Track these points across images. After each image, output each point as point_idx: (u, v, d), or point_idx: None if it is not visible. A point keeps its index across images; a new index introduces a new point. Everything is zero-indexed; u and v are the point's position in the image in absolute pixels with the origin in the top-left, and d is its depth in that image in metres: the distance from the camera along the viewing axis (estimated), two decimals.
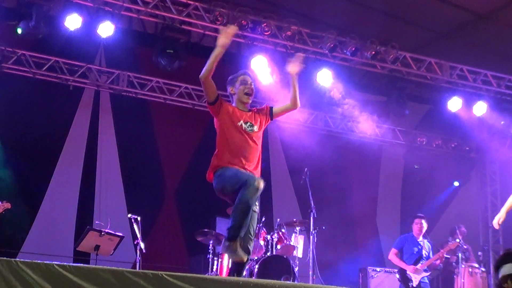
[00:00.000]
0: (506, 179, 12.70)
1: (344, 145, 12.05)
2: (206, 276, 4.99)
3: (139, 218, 7.89)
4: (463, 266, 9.33)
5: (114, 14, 8.92)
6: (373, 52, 10.00)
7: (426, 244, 8.93)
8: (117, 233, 7.96)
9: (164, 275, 4.14)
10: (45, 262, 4.00)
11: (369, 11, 10.18)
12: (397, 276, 8.96)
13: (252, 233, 5.07)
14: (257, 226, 5.32)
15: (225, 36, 5.21)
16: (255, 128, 5.19)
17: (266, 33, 9.47)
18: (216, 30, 9.44)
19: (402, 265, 8.79)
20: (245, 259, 4.96)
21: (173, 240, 10.89)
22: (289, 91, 5.43)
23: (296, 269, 8.09)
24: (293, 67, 5.39)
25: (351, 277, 10.61)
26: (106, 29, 8.86)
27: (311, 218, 8.24)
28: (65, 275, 3.95)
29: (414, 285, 8.60)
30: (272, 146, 11.97)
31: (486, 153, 12.94)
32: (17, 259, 4.00)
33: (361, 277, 10.04)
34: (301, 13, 10.25)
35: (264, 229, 8.38)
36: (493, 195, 13.21)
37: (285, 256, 8.12)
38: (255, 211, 5.09)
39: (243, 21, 9.19)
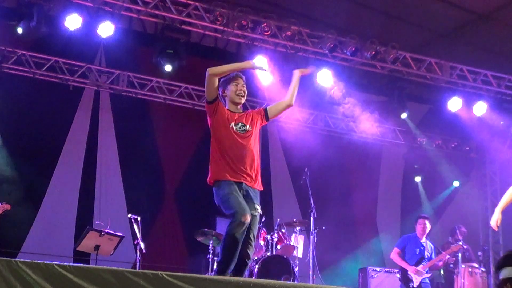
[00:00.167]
0: (506, 179, 12.65)
1: (344, 145, 12.05)
2: (206, 276, 4.99)
3: (139, 218, 7.88)
4: (463, 266, 9.33)
5: (114, 14, 8.92)
6: (373, 52, 9.99)
7: (428, 245, 8.91)
8: (117, 233, 7.95)
9: (164, 275, 4.13)
10: (45, 262, 4.00)
11: (369, 11, 10.18)
12: (398, 276, 8.95)
13: (252, 238, 5.06)
14: (257, 226, 5.30)
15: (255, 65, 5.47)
16: (248, 127, 5.21)
17: (266, 33, 9.46)
18: (216, 30, 9.47)
19: (404, 265, 8.78)
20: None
21: (173, 240, 10.89)
22: (288, 88, 5.50)
23: (296, 269, 8.09)
24: (302, 71, 5.54)
25: (351, 277, 10.61)
26: (106, 29, 8.86)
27: (311, 218, 8.23)
28: (65, 275, 3.95)
29: (415, 286, 8.59)
30: (272, 146, 11.96)
31: (486, 153, 12.95)
32: (17, 259, 4.00)
33: (361, 277, 10.03)
34: (301, 13, 10.25)
35: (264, 229, 8.38)
36: (493, 195, 13.19)
37: (285, 256, 8.12)
38: (255, 215, 5.08)
39: (243, 21, 9.19)
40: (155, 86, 10.73)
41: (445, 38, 11.00)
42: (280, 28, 9.55)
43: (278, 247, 8.34)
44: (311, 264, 8.17)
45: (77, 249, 8.05)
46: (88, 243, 7.82)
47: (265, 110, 5.42)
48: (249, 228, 4.99)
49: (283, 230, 8.54)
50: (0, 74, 9.75)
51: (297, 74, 5.49)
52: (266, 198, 11.15)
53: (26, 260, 3.96)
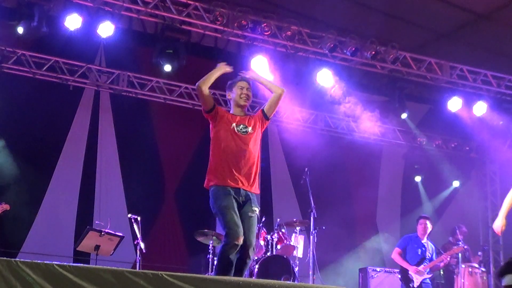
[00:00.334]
0: (506, 179, 12.67)
1: (344, 145, 12.05)
2: (206, 276, 4.99)
3: (139, 218, 7.89)
4: (463, 266, 9.33)
5: (114, 14, 8.92)
6: (373, 52, 9.99)
7: (429, 246, 8.91)
8: (117, 233, 7.96)
9: (164, 275, 4.13)
10: (45, 262, 4.00)
11: (369, 11, 10.17)
12: (399, 276, 8.95)
13: (252, 240, 5.05)
14: (257, 227, 5.30)
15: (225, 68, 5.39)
16: (249, 129, 5.24)
17: (266, 33, 9.46)
18: (216, 30, 9.47)
19: (405, 264, 8.78)
20: None
21: (173, 240, 10.89)
22: (265, 88, 5.61)
23: (296, 269, 8.10)
24: (253, 77, 5.57)
25: (351, 277, 10.61)
26: (106, 29, 8.86)
27: (311, 218, 8.23)
28: (65, 275, 3.95)
29: (415, 286, 8.59)
30: (272, 146, 11.97)
31: (486, 153, 12.95)
32: (17, 259, 4.00)
33: (361, 277, 10.04)
34: (301, 13, 10.24)
35: (264, 229, 8.38)
36: (493, 195, 13.21)
37: (285, 256, 8.12)
38: (252, 216, 5.08)
39: (243, 21, 9.19)
40: (155, 86, 10.73)
41: (445, 38, 10.99)
42: (280, 28, 9.55)
43: (278, 247, 8.35)
44: (311, 264, 8.17)
45: (77, 249, 8.06)
46: (88, 243, 7.82)
47: (263, 111, 5.45)
48: (249, 230, 5.00)
49: (283, 230, 8.54)
50: (0, 74, 9.74)
51: (250, 79, 5.52)
52: (266, 198, 11.16)
53: (26, 260, 3.96)
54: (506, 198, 5.69)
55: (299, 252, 8.64)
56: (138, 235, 7.85)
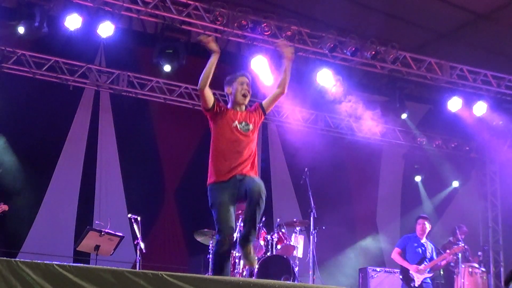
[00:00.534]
0: (506, 179, 12.70)
1: (344, 145, 12.05)
2: (206, 276, 4.98)
3: (139, 218, 7.88)
4: (463, 266, 9.34)
5: (114, 14, 8.92)
6: (373, 52, 10.00)
7: (429, 245, 8.91)
8: (117, 233, 7.95)
9: (164, 275, 4.13)
10: (45, 262, 4.00)
11: (369, 11, 10.18)
12: (400, 276, 8.94)
13: (257, 211, 4.98)
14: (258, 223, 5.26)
15: (214, 43, 5.23)
16: (251, 126, 5.22)
17: (266, 33, 9.46)
18: (216, 30, 9.47)
19: (405, 264, 8.78)
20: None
21: (173, 240, 10.89)
22: (280, 76, 5.45)
23: (296, 269, 8.09)
24: (287, 51, 5.45)
25: (351, 277, 10.61)
26: (106, 29, 8.86)
27: (311, 218, 8.24)
28: (65, 275, 3.95)
29: (416, 285, 8.59)
30: (272, 146, 11.97)
31: (486, 153, 12.95)
32: (17, 259, 4.00)
33: (361, 277, 10.04)
34: (301, 13, 10.25)
35: (264, 229, 8.38)
36: (493, 195, 13.21)
37: (285, 256, 8.11)
38: (255, 179, 5.01)
39: (243, 21, 9.19)
40: (155, 86, 10.73)
41: (445, 38, 11.00)
42: (280, 28, 9.55)
43: (278, 247, 8.34)
44: (311, 264, 8.17)
45: (77, 249, 8.05)
46: (88, 243, 7.82)
47: (261, 105, 5.42)
48: (256, 205, 4.93)
49: (283, 230, 8.54)
50: (0, 74, 9.74)
51: (288, 58, 5.43)
52: (266, 198, 11.10)
53: (26, 260, 3.96)
54: None
55: (299, 252, 8.63)
56: (138, 235, 7.84)
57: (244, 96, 5.29)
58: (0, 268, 3.83)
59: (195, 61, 10.11)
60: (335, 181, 11.52)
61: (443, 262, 8.95)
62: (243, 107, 5.34)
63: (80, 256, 8.94)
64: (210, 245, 8.30)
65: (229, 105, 5.35)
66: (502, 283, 10.40)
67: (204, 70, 5.15)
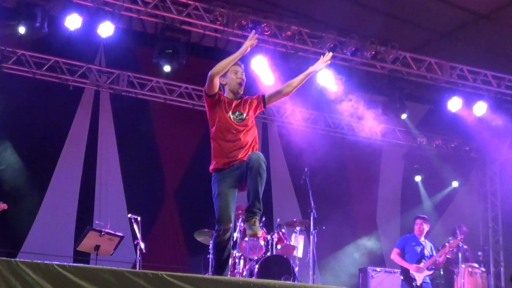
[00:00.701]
0: (506, 179, 12.70)
1: (344, 145, 12.05)
2: (206, 276, 4.98)
3: (139, 218, 7.88)
4: (463, 266, 9.33)
5: (114, 14, 8.92)
6: (373, 52, 10.00)
7: (428, 244, 8.93)
8: (117, 233, 7.95)
9: (164, 275, 4.13)
10: (45, 262, 4.00)
11: (369, 11, 10.18)
12: (401, 277, 8.93)
13: (258, 197, 4.94)
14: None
15: (253, 40, 5.26)
16: (244, 116, 5.21)
17: (266, 33, 9.46)
18: (216, 30, 9.47)
19: (405, 264, 8.79)
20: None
21: (173, 240, 10.89)
22: (299, 78, 5.40)
23: (296, 269, 8.09)
24: (321, 66, 5.47)
25: (351, 277, 10.61)
26: (106, 29, 8.86)
27: (311, 218, 8.24)
28: (65, 275, 3.95)
29: (418, 284, 8.60)
30: (272, 146, 11.96)
31: (486, 153, 12.95)
32: (17, 259, 4.00)
33: (361, 277, 10.03)
34: (301, 13, 10.24)
35: (264, 229, 8.37)
36: (493, 195, 13.21)
37: (285, 256, 8.11)
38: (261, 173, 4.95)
39: (243, 21, 9.19)
40: (155, 86, 10.73)
41: (445, 38, 11.00)
42: (280, 28, 9.55)
43: (278, 247, 8.34)
44: (311, 264, 8.17)
45: (77, 249, 8.05)
46: (88, 243, 7.82)
47: (263, 97, 5.40)
48: (257, 173, 4.88)
49: (283, 230, 8.53)
50: (0, 74, 9.74)
51: (316, 70, 5.47)
52: (266, 198, 11.12)
53: (26, 260, 3.96)
54: None
55: (299, 252, 8.63)
56: (138, 235, 7.84)
57: (240, 84, 5.28)
58: (0, 268, 3.83)
59: (195, 61, 10.15)
60: (335, 181, 11.52)
61: (442, 258, 8.94)
62: (238, 97, 5.32)
63: (80, 256, 8.93)
64: (210, 245, 8.30)
65: (225, 94, 5.33)
66: (503, 283, 10.41)
67: (225, 60, 5.15)
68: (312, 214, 8.22)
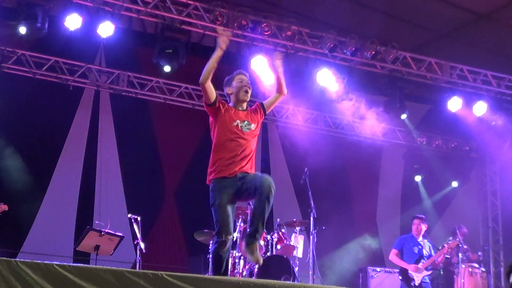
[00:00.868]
0: (506, 179, 12.70)
1: (344, 145, 12.05)
2: (206, 276, 4.98)
3: (139, 218, 7.88)
4: (463, 266, 9.33)
5: (114, 14, 8.91)
6: (373, 52, 9.99)
7: (426, 244, 8.92)
8: (117, 233, 7.95)
9: (164, 275, 4.13)
10: (45, 262, 4.00)
11: (369, 11, 10.18)
12: (400, 277, 8.93)
13: (262, 223, 5.01)
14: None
15: (226, 37, 5.21)
16: (253, 126, 5.23)
17: (266, 33, 9.46)
18: (216, 30, 9.46)
19: (403, 264, 8.78)
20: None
21: (173, 240, 10.89)
22: (275, 84, 5.51)
23: (296, 269, 8.09)
24: (278, 65, 5.49)
25: (351, 277, 10.61)
26: (106, 29, 8.85)
27: (311, 218, 8.23)
28: (65, 275, 3.95)
29: (416, 284, 8.59)
30: (272, 146, 11.97)
31: (486, 153, 12.95)
32: (17, 259, 4.00)
33: (361, 277, 10.04)
34: (301, 13, 10.25)
35: (264, 229, 8.36)
36: (493, 195, 13.21)
37: (285, 256, 8.11)
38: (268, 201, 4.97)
39: (243, 21, 9.19)
40: (155, 86, 10.74)
41: (445, 38, 11.00)
42: (280, 28, 9.55)
43: (278, 247, 8.34)
44: (311, 264, 8.17)
45: (77, 249, 8.05)
46: (88, 243, 7.82)
47: (262, 105, 5.44)
48: (266, 200, 4.91)
49: (283, 230, 8.53)
50: (0, 74, 9.74)
51: (279, 71, 5.49)
52: None
53: (26, 260, 3.96)
54: None
55: (299, 252, 8.63)
56: (138, 235, 7.84)
57: (246, 92, 5.29)
58: (0, 268, 3.83)
59: (195, 61, 10.11)
60: (335, 181, 11.53)
61: (441, 258, 8.94)
62: (245, 106, 5.34)
63: (80, 256, 8.94)
64: (210, 245, 8.30)
65: (230, 104, 5.33)
66: (503, 283, 10.41)
67: (206, 65, 5.16)
68: (312, 214, 8.21)
